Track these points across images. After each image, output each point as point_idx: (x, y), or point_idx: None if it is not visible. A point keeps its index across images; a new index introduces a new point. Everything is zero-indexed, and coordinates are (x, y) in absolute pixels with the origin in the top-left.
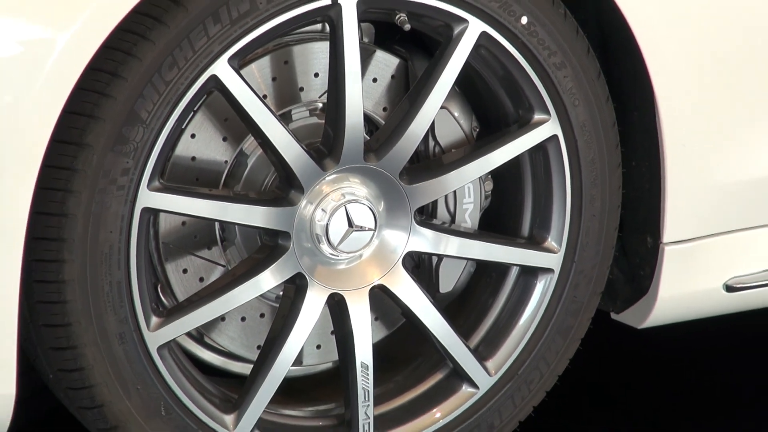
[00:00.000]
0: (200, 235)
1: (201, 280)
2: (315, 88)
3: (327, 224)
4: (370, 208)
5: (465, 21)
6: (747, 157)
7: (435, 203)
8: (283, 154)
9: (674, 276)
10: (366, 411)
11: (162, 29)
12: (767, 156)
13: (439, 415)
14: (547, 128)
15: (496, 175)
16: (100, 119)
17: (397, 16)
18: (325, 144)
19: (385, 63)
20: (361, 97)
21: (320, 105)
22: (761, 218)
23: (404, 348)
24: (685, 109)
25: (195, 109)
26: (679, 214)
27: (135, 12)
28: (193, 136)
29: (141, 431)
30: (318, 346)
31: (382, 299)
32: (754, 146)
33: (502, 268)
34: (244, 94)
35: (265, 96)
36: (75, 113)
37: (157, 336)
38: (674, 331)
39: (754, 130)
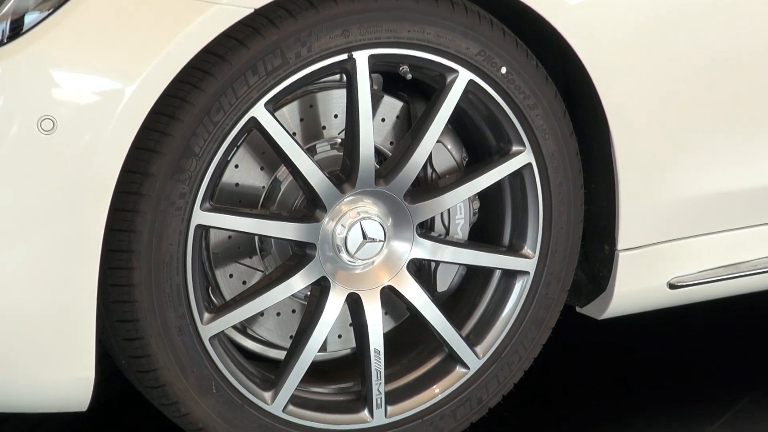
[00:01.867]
0: (243, 246)
1: (244, 282)
2: (335, 127)
3: (345, 237)
4: (381, 224)
5: (455, 71)
6: (683, 180)
7: (433, 219)
8: (309, 181)
9: (627, 276)
10: (378, 388)
11: (210, 80)
12: (698, 181)
13: (438, 390)
14: (523, 158)
15: (482, 195)
16: (161, 153)
17: (401, 68)
18: (344, 172)
19: (391, 106)
20: (372, 133)
21: (339, 140)
22: (695, 229)
23: (409, 337)
24: (634, 142)
25: (238, 144)
26: (629, 226)
27: (189, 66)
28: (236, 166)
29: (196, 405)
30: (339, 336)
31: (390, 297)
32: (687, 173)
33: (487, 271)
34: (278, 132)
35: (294, 133)
36: (141, 148)
37: (209, 328)
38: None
39: (687, 160)
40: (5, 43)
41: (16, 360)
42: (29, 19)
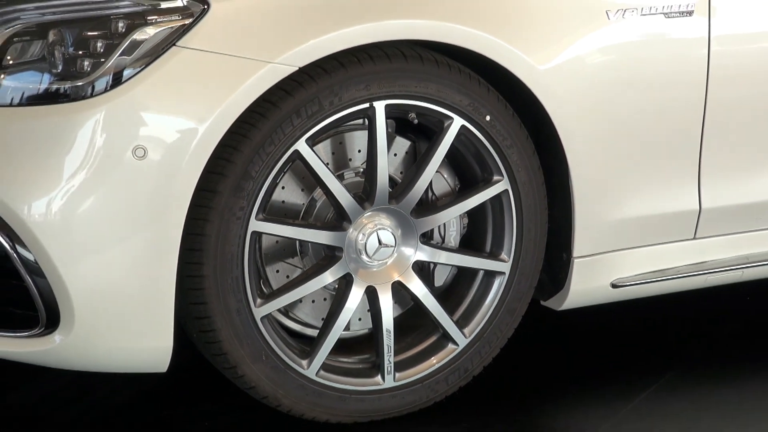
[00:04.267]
0: (287, 248)
1: (287, 276)
2: (358, 159)
3: (365, 243)
4: (392, 233)
5: (451, 118)
6: (621, 205)
7: (432, 230)
8: (338, 199)
9: (580, 278)
10: (389, 359)
11: (264, 121)
12: (632, 206)
13: (435, 361)
14: (502, 185)
15: (470, 213)
16: (226, 176)
17: (409, 114)
18: (365, 193)
19: (401, 144)
20: (387, 165)
21: (361, 169)
22: (631, 242)
23: (412, 320)
24: (586, 176)
25: (284, 170)
26: (582, 239)
27: (248, 110)
28: (283, 187)
29: (249, 369)
30: (359, 318)
31: (398, 290)
32: (625, 199)
33: (473, 271)
34: (315, 162)
35: (327, 163)
36: (211, 172)
37: (260, 311)
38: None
39: (624, 190)
40: (108, 90)
41: (115, 332)
42: (126, 72)
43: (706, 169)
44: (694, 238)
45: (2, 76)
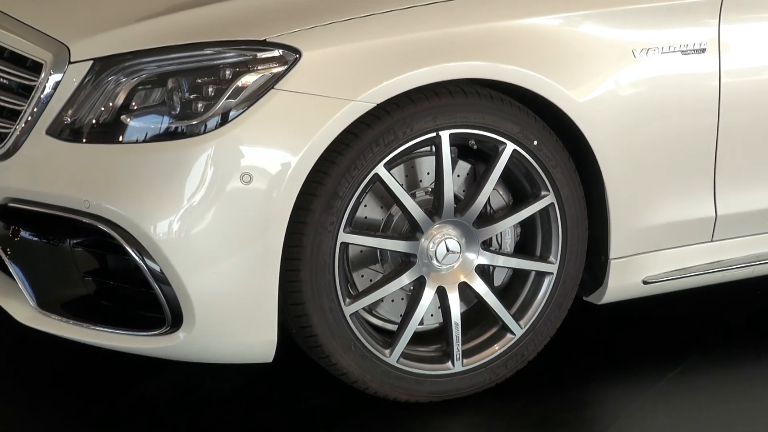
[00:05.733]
0: (370, 256)
1: (370, 280)
2: (427, 180)
3: (435, 250)
4: (458, 242)
5: (505, 144)
6: (650, 214)
7: (491, 239)
8: (412, 214)
9: (616, 276)
10: (458, 347)
11: (349, 150)
12: (659, 214)
13: (497, 348)
14: (548, 199)
15: (522, 223)
16: (318, 196)
17: (469, 141)
18: (434, 208)
19: (463, 167)
20: (452, 184)
21: (430, 189)
22: (659, 245)
23: (476, 315)
24: (619, 189)
25: (366, 191)
26: (617, 243)
27: (335, 141)
28: (365, 205)
29: (341, 358)
30: (431, 315)
31: (464, 289)
32: (652, 209)
33: (526, 272)
34: (392, 184)
35: (402, 184)
36: (305, 193)
37: (349, 309)
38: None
39: (651, 201)
40: (218, 128)
41: (230, 329)
42: (232, 114)
43: (720, 183)
44: (712, 241)
45: (130, 119)
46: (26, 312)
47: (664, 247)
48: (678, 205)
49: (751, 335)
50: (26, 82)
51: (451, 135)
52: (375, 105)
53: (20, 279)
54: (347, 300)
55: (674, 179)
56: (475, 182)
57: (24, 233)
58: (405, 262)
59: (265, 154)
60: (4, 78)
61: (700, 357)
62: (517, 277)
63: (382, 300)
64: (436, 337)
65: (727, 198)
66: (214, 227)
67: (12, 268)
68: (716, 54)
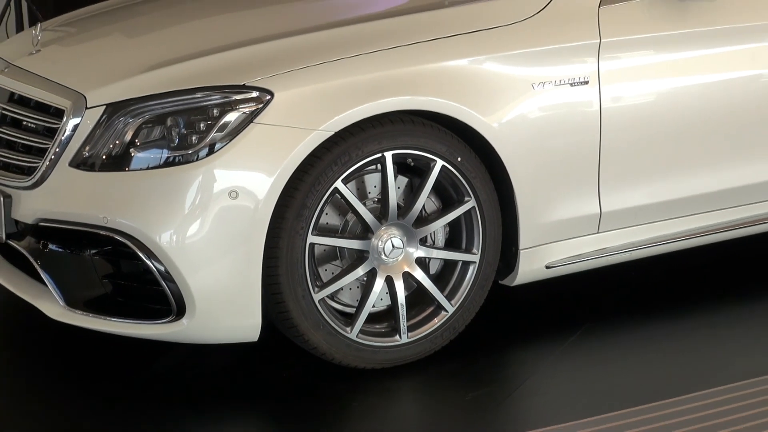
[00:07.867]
0: (331, 253)
1: (332, 273)
2: (375, 192)
3: (383, 247)
4: (401, 239)
5: (435, 160)
6: (549, 211)
7: (427, 236)
8: (365, 219)
9: (525, 263)
10: (403, 324)
11: (314, 169)
12: (556, 211)
13: (435, 322)
14: (470, 204)
15: (450, 224)
16: (290, 207)
17: (407, 159)
18: (381, 214)
19: (402, 180)
20: (395, 195)
21: (377, 198)
22: (556, 237)
23: (417, 297)
24: (525, 193)
25: (328, 201)
26: (525, 236)
27: (303, 163)
28: (326, 213)
29: (312, 336)
30: (381, 299)
31: (407, 277)
32: (551, 207)
33: (455, 262)
34: (349, 195)
35: (355, 196)
36: (280, 205)
37: (317, 296)
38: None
39: (554, 202)
40: (207, 156)
41: (223, 316)
42: (217, 145)
43: (603, 186)
44: (598, 232)
45: (137, 151)
46: (56, 310)
47: (562, 239)
48: (571, 205)
49: (632, 306)
50: (50, 126)
51: (393, 155)
52: (333, 133)
53: (50, 283)
54: (316, 289)
55: (568, 184)
56: (412, 192)
57: (52, 246)
58: (359, 257)
59: (247, 176)
60: (32, 123)
61: (593, 324)
62: (448, 266)
63: (342, 288)
64: (386, 316)
65: (609, 198)
66: (208, 235)
67: (43, 275)
68: (596, 85)
